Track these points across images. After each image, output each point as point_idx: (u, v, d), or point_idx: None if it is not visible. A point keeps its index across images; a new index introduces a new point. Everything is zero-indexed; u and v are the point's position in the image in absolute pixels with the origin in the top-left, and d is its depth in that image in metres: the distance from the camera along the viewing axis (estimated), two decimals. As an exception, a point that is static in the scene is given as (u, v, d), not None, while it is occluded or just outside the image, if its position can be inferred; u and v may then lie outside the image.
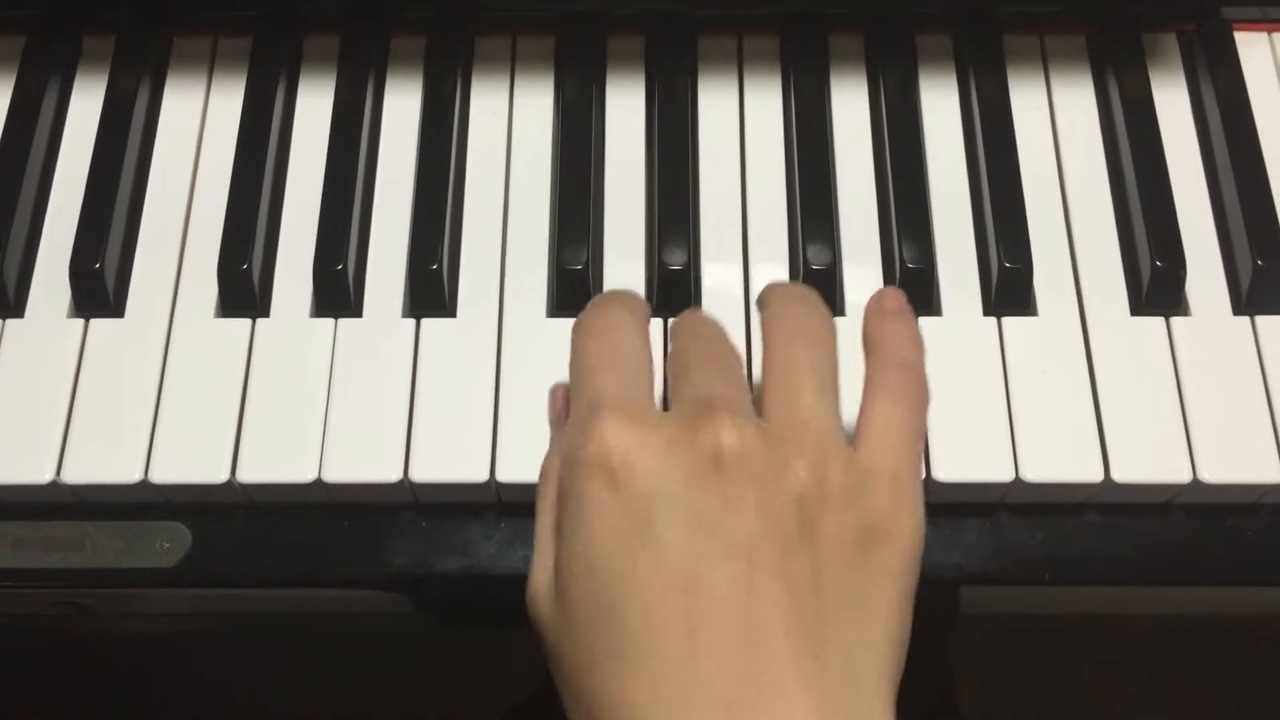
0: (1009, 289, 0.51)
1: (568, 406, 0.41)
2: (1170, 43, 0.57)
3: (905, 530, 0.37)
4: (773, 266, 0.52)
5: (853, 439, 0.39)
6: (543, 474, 0.42)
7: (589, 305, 0.42)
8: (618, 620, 0.35)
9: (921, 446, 0.40)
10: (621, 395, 0.38)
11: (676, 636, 0.34)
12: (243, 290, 0.51)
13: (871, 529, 0.36)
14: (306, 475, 0.48)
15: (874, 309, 0.42)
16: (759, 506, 0.35)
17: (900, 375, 0.40)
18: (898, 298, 0.42)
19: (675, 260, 0.51)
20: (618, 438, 0.36)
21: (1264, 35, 0.58)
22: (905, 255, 0.51)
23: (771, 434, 0.37)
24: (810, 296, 0.42)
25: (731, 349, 0.41)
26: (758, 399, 0.39)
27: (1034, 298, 0.51)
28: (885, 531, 0.37)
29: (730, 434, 0.36)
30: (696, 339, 0.41)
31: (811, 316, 0.40)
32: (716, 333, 0.42)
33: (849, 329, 0.50)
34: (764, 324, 0.41)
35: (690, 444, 0.36)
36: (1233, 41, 0.57)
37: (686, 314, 0.44)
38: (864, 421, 0.39)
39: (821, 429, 0.37)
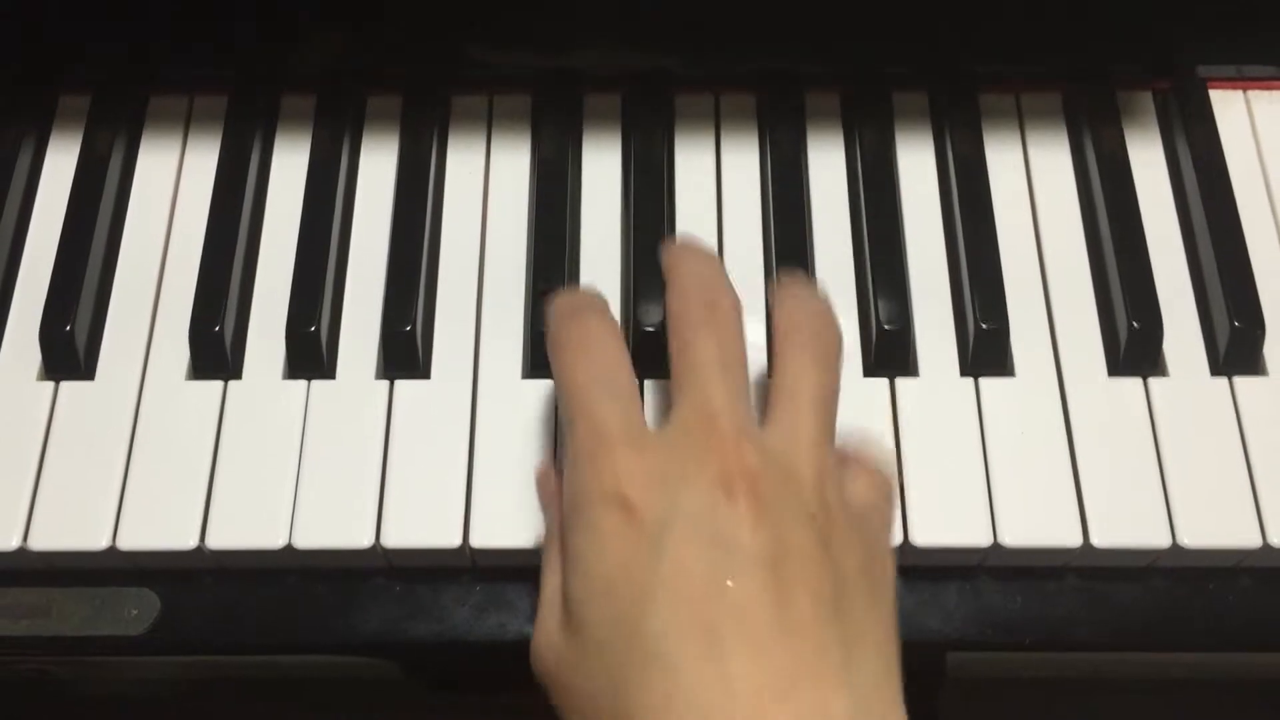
0: (986, 350, 0.51)
1: (560, 488, 0.41)
2: (1146, 101, 0.57)
3: (890, 553, 0.40)
4: (750, 324, 0.52)
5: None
6: (546, 543, 0.42)
7: (557, 313, 0.42)
8: (642, 633, 0.35)
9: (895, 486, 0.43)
10: (623, 424, 0.38)
11: (703, 643, 0.34)
12: (214, 352, 0.51)
13: (871, 553, 0.38)
14: (277, 541, 0.47)
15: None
16: (774, 528, 0.36)
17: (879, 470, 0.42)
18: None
19: (650, 320, 0.51)
20: (627, 469, 0.37)
21: (1239, 93, 0.58)
22: (881, 315, 0.51)
23: (776, 456, 0.37)
24: (823, 303, 0.43)
25: (732, 318, 0.41)
26: (762, 398, 0.40)
27: (1011, 358, 0.51)
28: (880, 559, 0.39)
29: (736, 459, 0.36)
30: (696, 304, 0.41)
31: (824, 333, 0.41)
32: (715, 292, 0.41)
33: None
34: (778, 326, 0.41)
35: (700, 468, 0.36)
36: (1208, 100, 0.57)
37: (687, 257, 0.43)
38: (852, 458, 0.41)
39: (822, 453, 0.38)
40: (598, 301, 0.43)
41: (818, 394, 0.40)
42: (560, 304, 0.43)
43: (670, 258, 0.44)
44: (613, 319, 0.42)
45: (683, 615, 0.35)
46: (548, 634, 0.39)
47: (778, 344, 0.41)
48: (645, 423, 0.39)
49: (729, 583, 0.35)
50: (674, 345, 0.40)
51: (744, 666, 0.34)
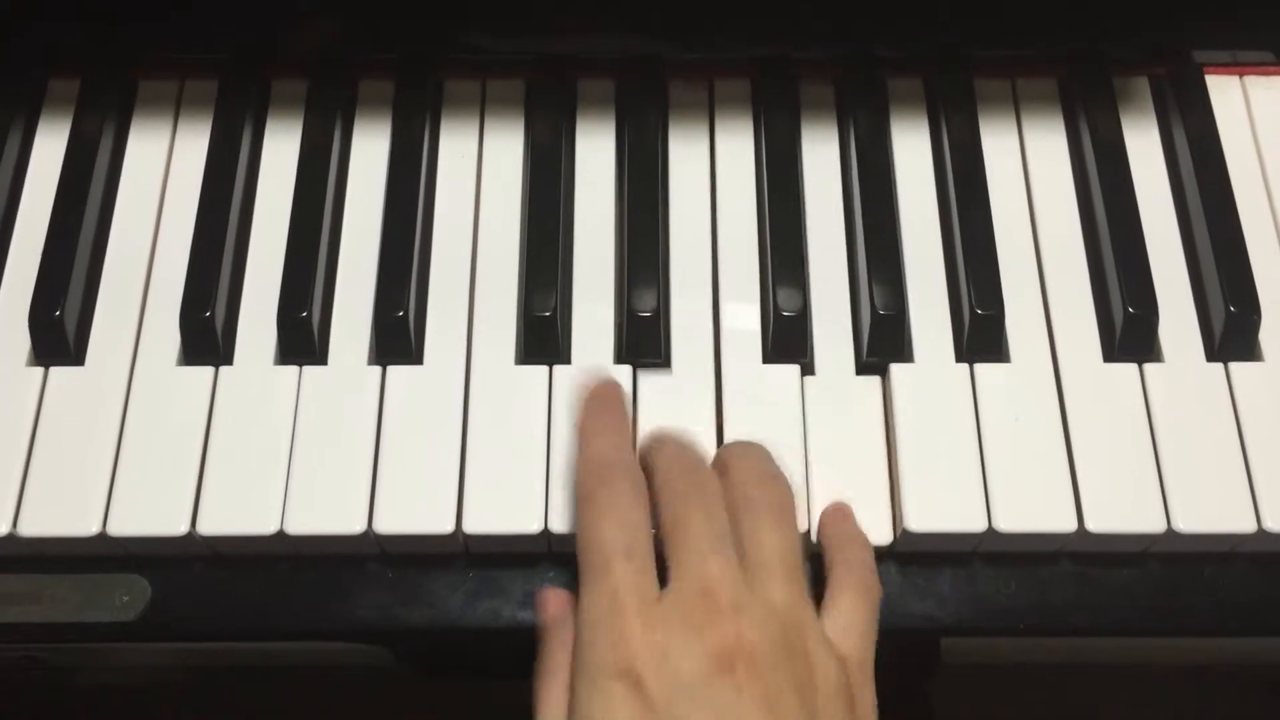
0: (981, 336, 0.50)
1: (561, 610, 0.44)
2: (1142, 86, 0.57)
3: (870, 703, 0.43)
4: (743, 311, 0.52)
5: (822, 617, 0.44)
6: (543, 671, 0.43)
7: (589, 465, 0.44)
8: None
9: (875, 638, 0.44)
10: (638, 595, 0.41)
11: None
12: (205, 338, 0.50)
13: (853, 708, 0.41)
14: (269, 527, 0.47)
15: (829, 515, 0.48)
16: (767, 699, 0.39)
17: (861, 573, 0.45)
18: (845, 508, 0.48)
19: (645, 306, 0.51)
20: (637, 646, 0.39)
21: (1235, 79, 0.58)
22: (876, 301, 0.51)
23: (768, 625, 0.40)
24: (770, 468, 0.45)
25: (715, 490, 0.44)
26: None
27: (1006, 344, 0.51)
28: (858, 706, 0.41)
29: (734, 632, 0.39)
30: (680, 476, 0.44)
31: (772, 491, 0.44)
32: (698, 469, 0.44)
33: (819, 375, 0.50)
34: (728, 498, 0.44)
35: (701, 637, 0.39)
36: (1204, 85, 0.57)
37: (664, 438, 0.46)
38: (833, 608, 0.44)
39: (801, 616, 0.41)
40: (630, 461, 0.45)
41: (784, 550, 0.42)
42: (593, 455, 0.45)
43: (647, 443, 0.47)
44: (642, 481, 0.44)
45: None
46: None
47: (731, 513, 0.43)
48: (657, 588, 0.41)
49: None
50: (666, 517, 0.43)
51: None
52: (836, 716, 0.40)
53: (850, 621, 0.44)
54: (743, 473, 0.45)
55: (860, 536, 0.47)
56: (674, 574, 0.42)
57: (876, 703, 0.43)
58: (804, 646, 0.41)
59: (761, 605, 0.41)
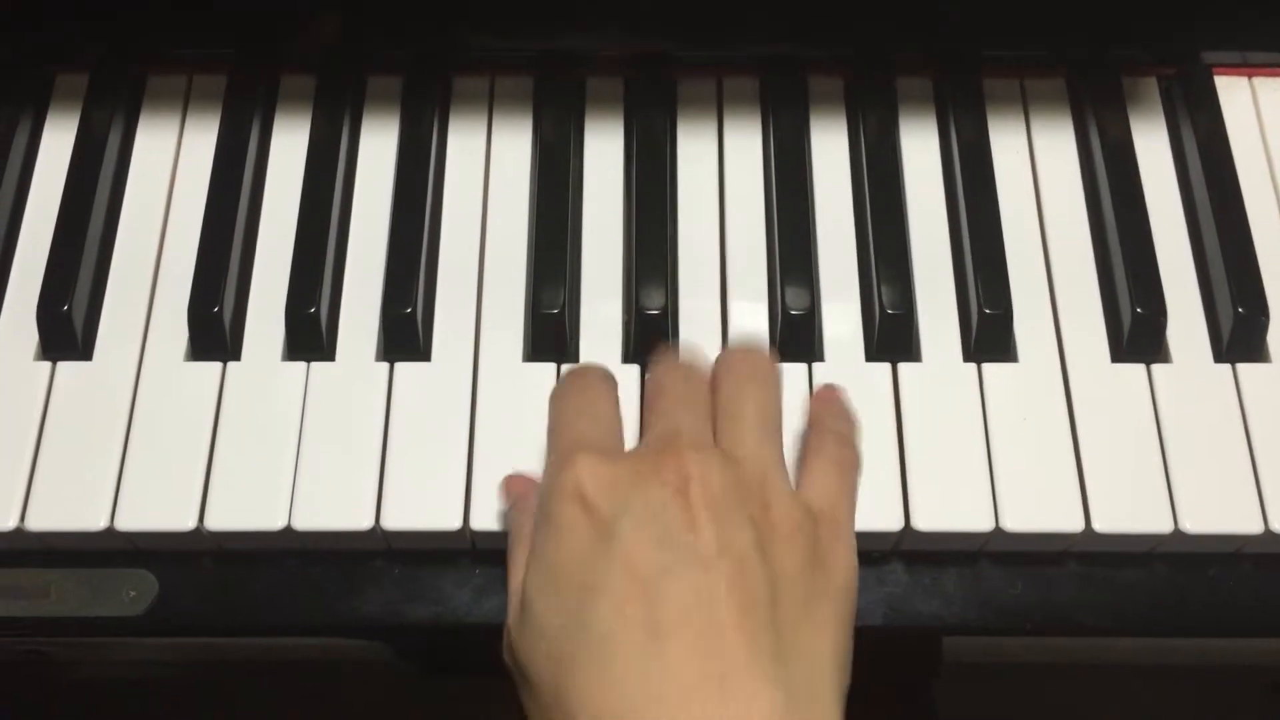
0: (989, 335, 0.50)
1: (523, 489, 0.45)
2: (1150, 87, 0.57)
3: (843, 562, 0.41)
4: (751, 310, 0.52)
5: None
6: (511, 541, 0.44)
7: (564, 374, 0.47)
8: (585, 622, 0.38)
9: (854, 504, 0.44)
10: (594, 438, 0.42)
11: (640, 635, 0.37)
12: (213, 333, 0.50)
13: (815, 555, 0.40)
14: (276, 522, 0.47)
15: (815, 395, 0.48)
16: (717, 527, 0.39)
17: (835, 443, 0.45)
18: (834, 388, 0.48)
19: (653, 304, 0.51)
20: (591, 470, 0.40)
21: (1244, 80, 0.58)
22: (884, 300, 0.51)
23: (728, 466, 0.40)
24: (758, 344, 0.47)
25: (702, 378, 0.45)
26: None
27: (1014, 344, 0.51)
28: (825, 558, 0.41)
29: (693, 465, 0.40)
30: (672, 365, 0.46)
31: (758, 360, 0.45)
32: (689, 369, 0.46)
33: (827, 375, 0.50)
34: (714, 369, 0.45)
35: (656, 473, 0.40)
36: (1213, 86, 0.57)
37: (662, 353, 0.48)
38: (803, 475, 0.44)
39: (767, 464, 0.42)
40: (602, 368, 0.47)
41: (759, 408, 0.43)
42: (569, 369, 0.48)
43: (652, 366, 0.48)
44: (613, 381, 0.46)
45: (624, 608, 0.38)
46: (513, 619, 0.41)
47: (714, 377, 0.45)
48: (621, 446, 0.43)
49: (670, 580, 0.38)
50: (649, 391, 0.45)
51: (677, 659, 0.37)
52: (792, 556, 0.39)
53: (822, 485, 0.43)
54: (730, 350, 0.47)
55: (840, 409, 0.47)
56: (645, 432, 0.43)
57: (855, 557, 0.42)
58: (764, 491, 0.40)
59: (726, 452, 0.41)
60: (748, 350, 0.46)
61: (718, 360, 0.46)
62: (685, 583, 0.38)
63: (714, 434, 0.43)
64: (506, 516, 0.46)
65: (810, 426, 0.47)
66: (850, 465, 0.45)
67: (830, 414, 0.47)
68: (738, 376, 0.44)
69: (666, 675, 0.36)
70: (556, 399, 0.46)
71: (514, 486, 0.46)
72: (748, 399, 0.43)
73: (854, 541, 0.42)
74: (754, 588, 0.38)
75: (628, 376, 0.49)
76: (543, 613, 0.39)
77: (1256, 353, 0.51)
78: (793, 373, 0.50)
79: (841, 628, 0.40)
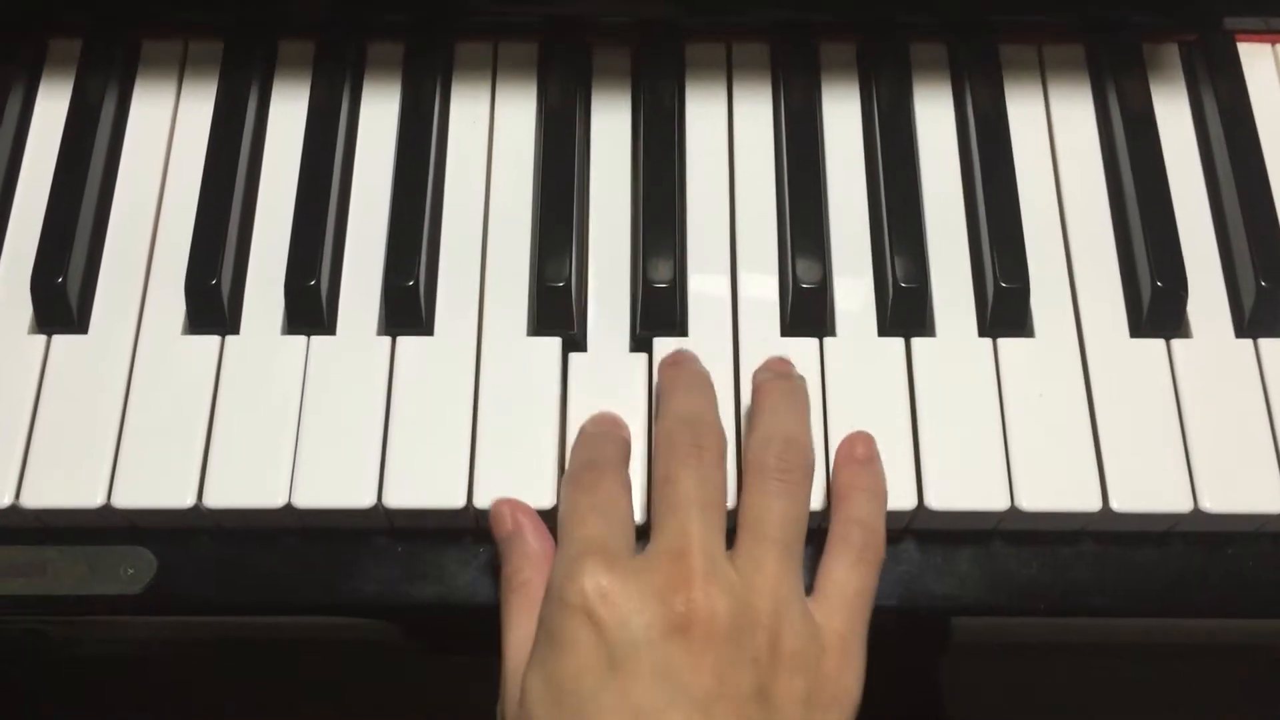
0: (1006, 309, 0.49)
1: (519, 521, 0.45)
2: (1171, 54, 0.56)
3: (848, 692, 0.41)
4: (762, 283, 0.51)
5: (810, 586, 0.43)
6: (508, 588, 0.44)
7: (578, 459, 0.45)
8: None
9: (871, 605, 0.43)
10: (605, 543, 0.42)
11: None
12: (211, 306, 0.49)
13: (817, 691, 0.40)
14: (276, 500, 0.46)
15: (845, 456, 0.45)
16: (716, 670, 0.39)
17: (861, 539, 0.43)
18: (868, 446, 0.46)
19: (661, 277, 0.50)
20: (599, 581, 0.40)
21: (1268, 46, 0.56)
22: (898, 273, 0.49)
23: (737, 590, 0.40)
24: (794, 435, 0.44)
25: (716, 459, 0.43)
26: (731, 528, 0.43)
27: (1031, 319, 0.50)
28: (830, 694, 0.41)
29: (699, 598, 0.39)
30: (682, 440, 0.43)
31: (791, 471, 0.43)
32: (703, 430, 0.44)
33: (838, 350, 0.49)
34: (746, 458, 0.44)
35: (664, 599, 0.39)
36: (1236, 53, 0.55)
37: (680, 385, 0.46)
38: (822, 580, 0.43)
39: (782, 595, 0.41)
40: (616, 453, 0.46)
41: (783, 526, 0.42)
42: (581, 445, 0.46)
43: (664, 380, 0.47)
44: (625, 459, 0.46)
45: None
46: (507, 711, 0.42)
47: (747, 479, 0.43)
48: (631, 550, 0.42)
49: (664, 717, 0.38)
50: (659, 474, 0.43)
51: None
52: (793, 699, 0.40)
53: (840, 593, 0.42)
54: (767, 429, 0.44)
55: (870, 485, 0.45)
56: (655, 533, 0.42)
57: (862, 677, 0.42)
58: (776, 622, 0.40)
59: (739, 575, 0.41)
60: (784, 440, 0.44)
61: (752, 432, 0.44)
62: None
63: (732, 544, 0.42)
64: (502, 544, 0.45)
65: (836, 503, 0.45)
66: (874, 563, 0.43)
67: (861, 492, 0.45)
68: (766, 481, 0.43)
69: None
70: (570, 486, 0.44)
71: (510, 519, 0.45)
72: (774, 515, 0.42)
73: (863, 664, 0.42)
74: None
75: (636, 366, 0.49)
76: None
77: (1279, 327, 0.50)
78: (804, 348, 0.49)
79: None
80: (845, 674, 0.41)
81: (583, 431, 0.47)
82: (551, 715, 0.39)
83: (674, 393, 0.46)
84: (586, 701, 0.39)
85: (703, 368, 0.47)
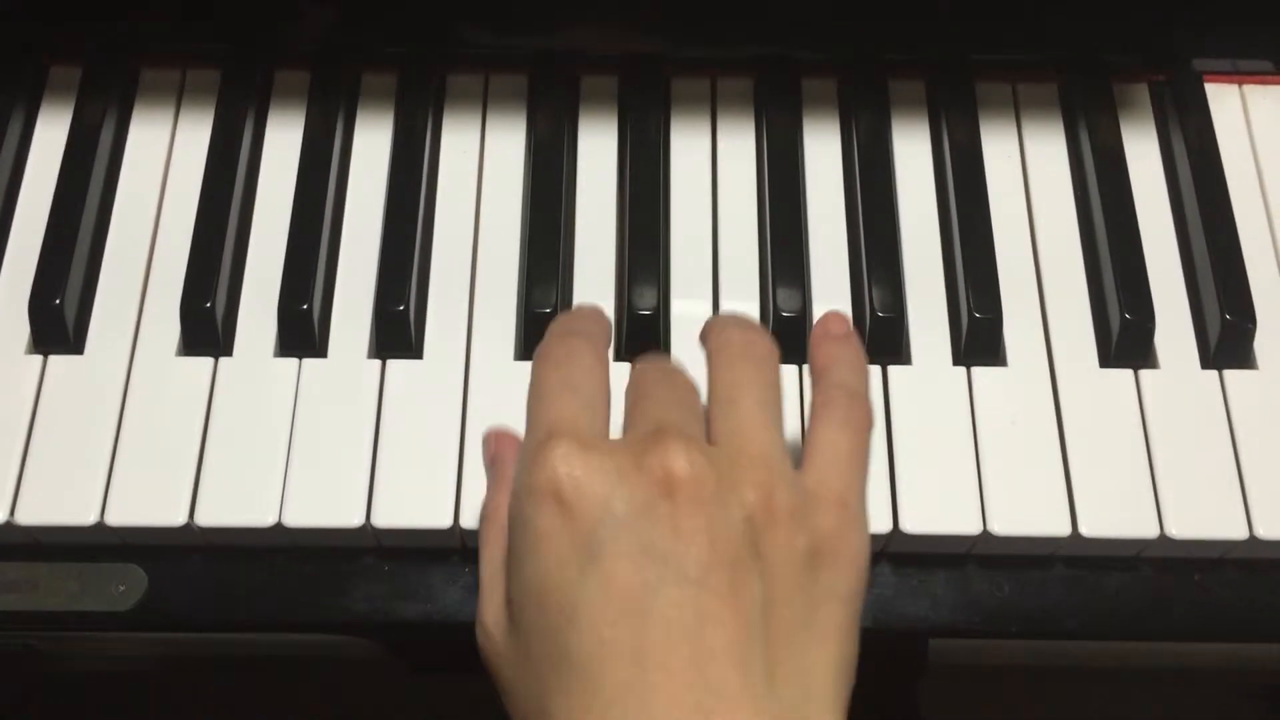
0: (979, 339, 0.51)
1: (502, 450, 0.42)
2: (1141, 93, 0.58)
3: (852, 550, 0.37)
4: (743, 309, 0.52)
5: (799, 462, 0.39)
6: (483, 516, 0.42)
7: (551, 332, 0.42)
8: (568, 649, 0.35)
9: (866, 470, 0.39)
10: (574, 422, 0.38)
11: (625, 662, 0.34)
12: (205, 328, 0.50)
13: (819, 550, 0.36)
14: (267, 519, 0.47)
15: (820, 333, 0.42)
16: (708, 533, 0.35)
17: (845, 400, 0.40)
18: (843, 322, 0.43)
19: (645, 304, 0.51)
20: (568, 464, 0.36)
21: (1234, 87, 0.58)
22: (875, 303, 0.51)
23: (719, 458, 0.37)
24: (753, 323, 0.42)
25: (686, 380, 0.41)
26: (707, 423, 0.39)
27: (1004, 348, 0.51)
28: (832, 551, 0.37)
29: (679, 460, 0.36)
30: (653, 370, 0.41)
31: (755, 340, 0.40)
32: (674, 367, 0.42)
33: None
34: (707, 350, 0.41)
35: (640, 470, 0.36)
36: (1203, 93, 0.57)
37: (646, 355, 0.44)
38: (810, 446, 0.39)
39: (767, 451, 0.37)
40: (592, 321, 0.43)
41: (758, 390, 0.39)
42: (556, 322, 0.43)
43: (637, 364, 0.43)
44: (603, 339, 0.42)
45: (605, 634, 0.35)
46: (494, 620, 0.39)
47: (709, 359, 0.40)
48: (605, 430, 0.39)
49: (654, 599, 0.34)
50: (629, 395, 0.40)
51: (662, 691, 0.34)
52: (792, 557, 0.36)
53: (830, 457, 0.38)
54: (720, 325, 0.41)
55: (849, 356, 0.41)
56: (629, 424, 0.39)
57: (869, 540, 0.38)
58: (767, 473, 0.36)
59: (722, 442, 0.37)
60: (740, 324, 0.41)
61: (707, 332, 0.41)
62: (671, 603, 0.34)
63: (708, 427, 0.39)
64: (486, 474, 0.44)
65: (816, 377, 0.41)
66: (862, 427, 0.40)
67: (839, 360, 0.41)
68: (731, 356, 0.40)
69: (651, 708, 0.34)
70: (541, 360, 0.41)
71: (494, 445, 0.43)
72: (746, 382, 0.39)
73: (866, 526, 0.38)
74: (747, 603, 0.35)
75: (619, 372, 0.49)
76: (527, 632, 0.37)
77: (1243, 359, 0.51)
78: (784, 375, 0.50)
79: (845, 634, 0.37)
80: (849, 532, 0.37)
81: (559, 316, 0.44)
82: (540, 623, 0.36)
83: (640, 361, 0.43)
84: (566, 599, 0.35)
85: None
